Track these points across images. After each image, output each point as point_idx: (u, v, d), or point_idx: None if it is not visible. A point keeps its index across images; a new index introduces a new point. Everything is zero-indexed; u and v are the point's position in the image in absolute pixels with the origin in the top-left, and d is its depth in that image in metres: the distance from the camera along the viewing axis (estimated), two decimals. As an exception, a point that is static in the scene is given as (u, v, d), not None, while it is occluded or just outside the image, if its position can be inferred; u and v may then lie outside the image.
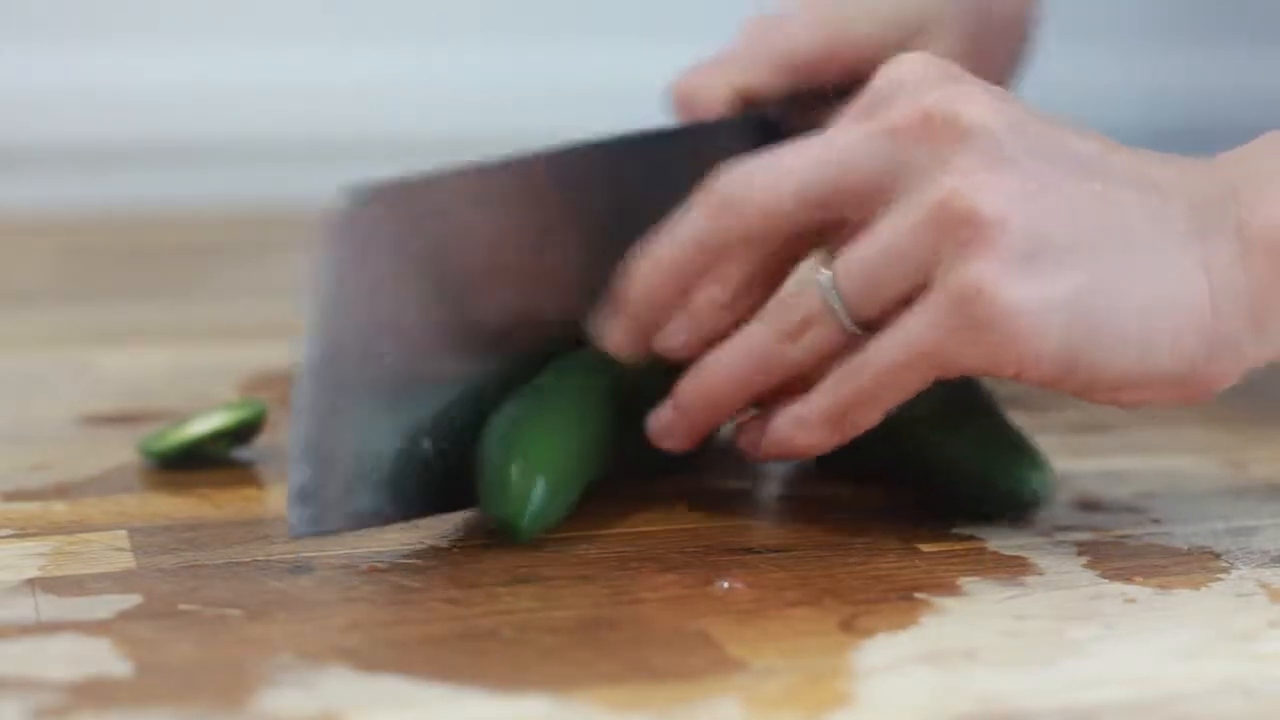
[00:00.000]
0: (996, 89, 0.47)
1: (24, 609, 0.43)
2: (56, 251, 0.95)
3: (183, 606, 0.44)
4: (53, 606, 0.44)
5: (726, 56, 0.59)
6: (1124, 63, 1.29)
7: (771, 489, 0.55)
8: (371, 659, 0.41)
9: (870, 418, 0.47)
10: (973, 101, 0.46)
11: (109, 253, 0.96)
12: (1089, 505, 0.53)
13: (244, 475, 0.55)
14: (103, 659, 0.40)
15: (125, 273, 0.90)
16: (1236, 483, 0.56)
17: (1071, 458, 0.58)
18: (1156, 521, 0.52)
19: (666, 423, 0.50)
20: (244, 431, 0.56)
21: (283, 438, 0.58)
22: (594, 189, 0.53)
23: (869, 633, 0.43)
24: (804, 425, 0.48)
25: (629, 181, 0.54)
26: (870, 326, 0.46)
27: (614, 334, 0.50)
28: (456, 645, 0.42)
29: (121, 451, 0.57)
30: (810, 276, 0.47)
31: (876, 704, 0.39)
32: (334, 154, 1.22)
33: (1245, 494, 0.55)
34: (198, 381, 0.67)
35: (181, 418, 0.57)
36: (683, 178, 0.50)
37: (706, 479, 0.55)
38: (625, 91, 1.26)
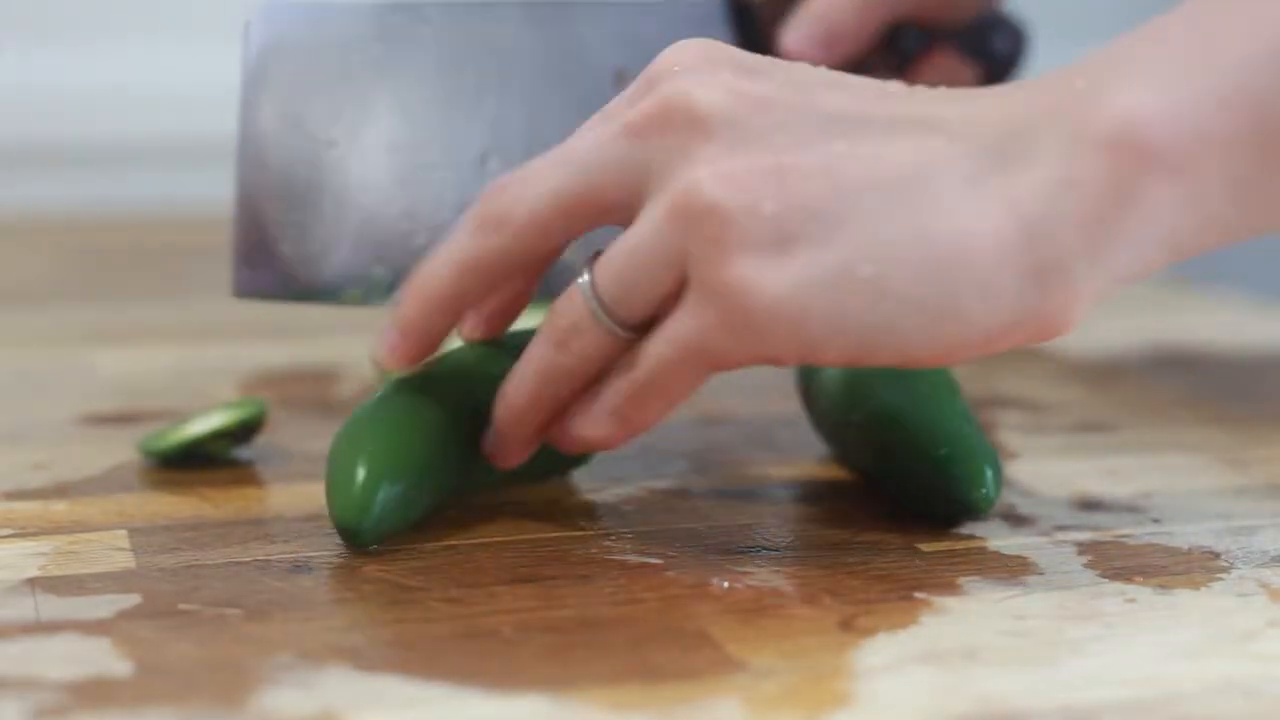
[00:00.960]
0: (750, 62, 0.45)
1: (24, 609, 0.43)
2: (56, 251, 0.95)
3: (183, 606, 0.44)
4: (53, 606, 0.44)
5: None
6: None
7: (771, 488, 0.55)
8: (371, 659, 0.41)
9: (652, 413, 0.46)
10: (710, 86, 0.44)
11: (109, 253, 0.96)
12: (1089, 505, 0.53)
13: (244, 475, 0.55)
14: (103, 659, 0.40)
15: (125, 273, 0.90)
16: (1236, 483, 0.56)
17: (1071, 457, 0.58)
18: (1156, 521, 0.52)
19: (492, 443, 0.49)
20: (244, 431, 0.56)
21: (282, 437, 0.59)
22: (522, 44, 0.54)
23: (869, 632, 0.43)
24: (592, 421, 0.47)
25: (569, 43, 0.56)
26: (640, 328, 0.46)
27: (392, 351, 0.49)
28: (456, 645, 0.42)
29: (121, 451, 0.57)
30: (573, 285, 0.46)
31: (876, 704, 0.39)
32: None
33: (1245, 494, 0.55)
34: (198, 381, 0.67)
35: (181, 418, 0.57)
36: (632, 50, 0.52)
37: (707, 479, 0.55)
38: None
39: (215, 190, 1.16)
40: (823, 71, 0.46)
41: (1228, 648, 0.43)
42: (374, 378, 0.65)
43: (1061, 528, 0.51)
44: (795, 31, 0.63)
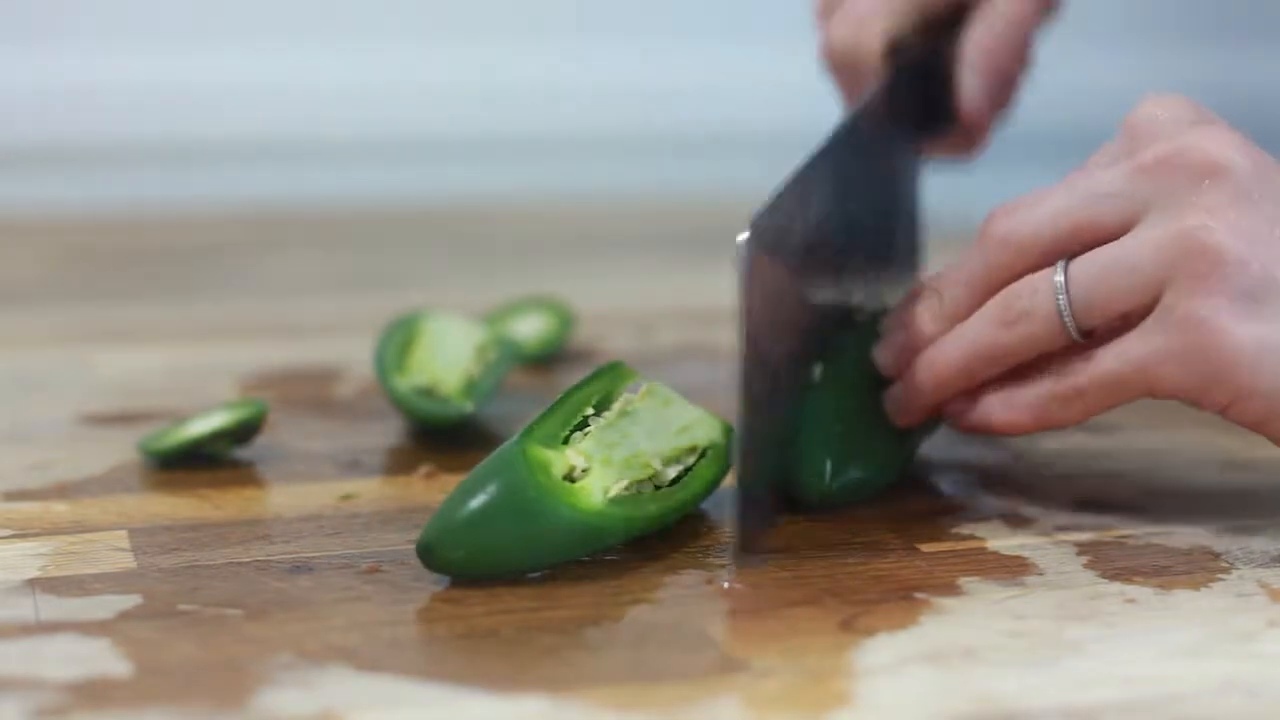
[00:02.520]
0: (1239, 134, 0.49)
1: (24, 609, 0.43)
2: (56, 251, 0.95)
3: (183, 606, 0.44)
4: (53, 606, 0.44)
5: (868, 3, 0.62)
6: (1123, 63, 1.29)
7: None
8: (371, 659, 0.41)
9: (1071, 417, 0.50)
10: (1223, 143, 0.48)
11: (109, 253, 0.96)
12: (1089, 505, 0.53)
13: (244, 475, 0.55)
14: (103, 659, 0.40)
15: (125, 273, 0.90)
16: (1236, 482, 0.56)
17: (1071, 458, 0.58)
18: (1156, 521, 0.52)
19: (898, 400, 0.53)
20: (244, 431, 0.56)
21: (282, 437, 0.59)
22: (847, 176, 0.57)
23: (869, 632, 0.43)
24: (1010, 407, 0.51)
25: (855, 164, 0.58)
26: (1086, 335, 0.49)
27: (900, 361, 0.53)
28: (456, 645, 0.42)
29: (121, 451, 0.57)
30: (1045, 275, 0.49)
31: (876, 703, 0.39)
32: (334, 154, 1.22)
33: (1245, 494, 0.55)
34: (198, 381, 0.67)
35: (181, 418, 0.57)
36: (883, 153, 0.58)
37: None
38: (625, 91, 1.26)
39: (215, 190, 1.16)
40: None
41: (1227, 647, 0.43)
42: (374, 378, 0.65)
43: (1061, 528, 0.51)
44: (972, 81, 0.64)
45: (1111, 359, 0.48)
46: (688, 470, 0.50)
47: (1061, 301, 0.49)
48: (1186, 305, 0.47)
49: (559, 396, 0.49)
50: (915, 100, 0.64)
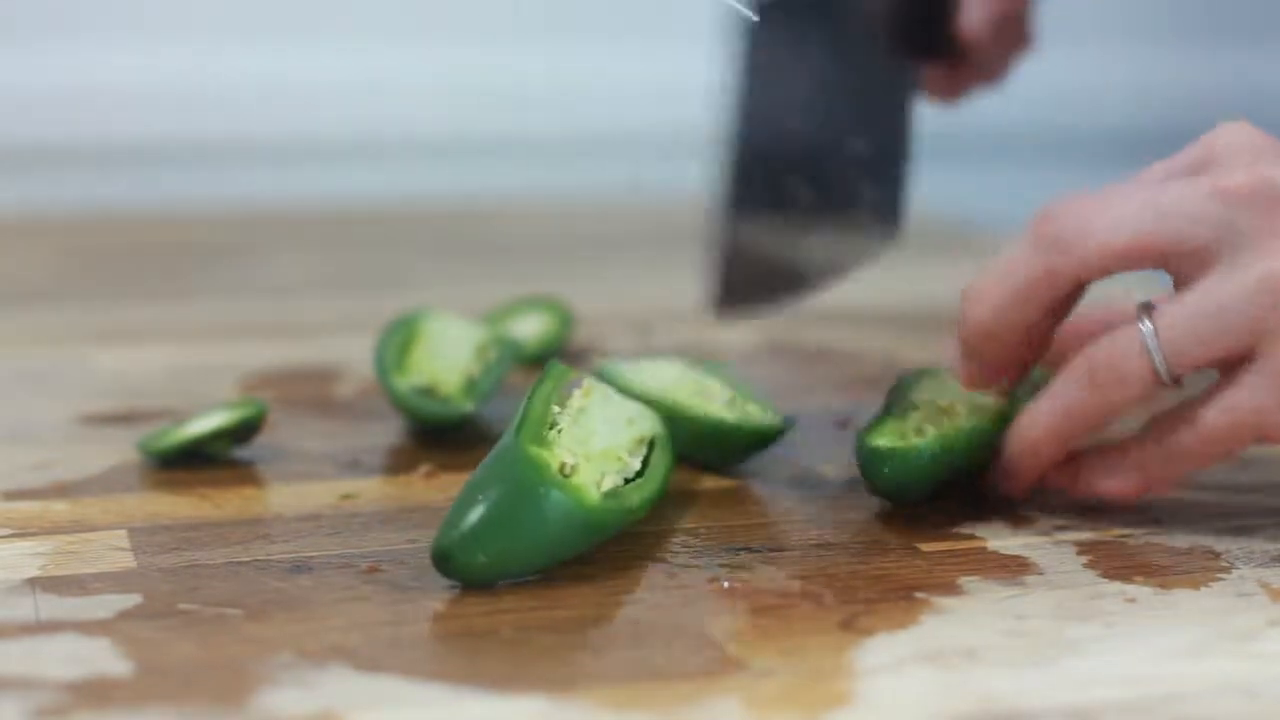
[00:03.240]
0: None
1: (24, 609, 0.43)
2: (56, 251, 0.95)
3: (183, 606, 0.44)
4: (53, 606, 0.44)
5: None
6: (1123, 63, 1.30)
7: (772, 487, 0.55)
8: (371, 659, 0.41)
9: (1181, 474, 0.50)
10: None
11: (109, 253, 0.96)
12: (1089, 505, 0.53)
13: (244, 475, 0.55)
14: (103, 659, 0.40)
15: (125, 273, 0.90)
16: (1237, 482, 0.56)
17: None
18: (1156, 521, 0.52)
19: (1001, 475, 0.52)
20: (244, 431, 0.56)
21: (282, 437, 0.59)
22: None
23: (869, 632, 0.43)
24: (1117, 474, 0.50)
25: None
26: (1176, 381, 0.48)
27: (966, 372, 0.52)
28: (456, 645, 0.42)
29: (121, 451, 0.57)
30: (1127, 329, 0.48)
31: (876, 703, 0.39)
32: (334, 154, 1.22)
33: (1245, 493, 0.55)
34: (198, 381, 0.67)
35: (181, 417, 0.57)
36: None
37: (706, 479, 0.55)
38: (624, 91, 1.26)
39: (215, 190, 1.16)
40: None
41: (1228, 647, 0.43)
42: (374, 378, 0.65)
43: (1061, 527, 0.51)
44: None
45: (1218, 414, 0.48)
46: (645, 461, 0.50)
47: (1157, 359, 0.47)
48: None
49: (527, 398, 0.49)
50: (918, 24, 0.62)
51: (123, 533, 0.49)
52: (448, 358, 0.61)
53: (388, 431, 0.60)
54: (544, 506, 0.45)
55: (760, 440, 0.55)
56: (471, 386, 0.60)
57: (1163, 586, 0.47)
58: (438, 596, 0.45)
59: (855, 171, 0.63)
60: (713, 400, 0.56)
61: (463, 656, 0.41)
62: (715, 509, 0.52)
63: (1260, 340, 0.46)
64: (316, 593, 0.45)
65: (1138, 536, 0.50)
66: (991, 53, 0.64)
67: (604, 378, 0.56)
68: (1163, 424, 0.49)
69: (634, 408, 0.52)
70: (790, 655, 0.41)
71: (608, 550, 0.48)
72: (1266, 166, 0.47)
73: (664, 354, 0.62)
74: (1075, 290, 0.49)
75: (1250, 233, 0.47)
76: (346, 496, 0.53)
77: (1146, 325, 0.48)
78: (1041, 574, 0.47)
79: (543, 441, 0.47)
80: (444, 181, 1.22)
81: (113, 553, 0.48)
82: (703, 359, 0.60)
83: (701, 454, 0.55)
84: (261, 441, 0.57)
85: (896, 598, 0.45)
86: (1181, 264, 0.48)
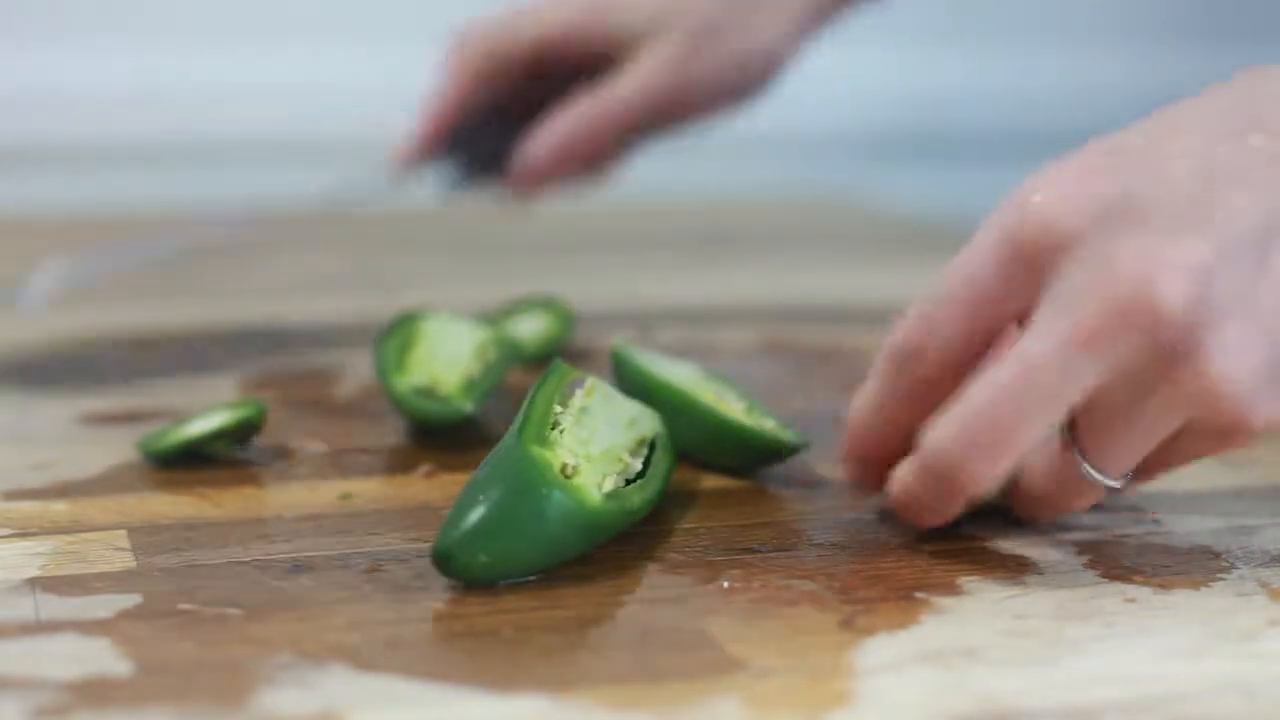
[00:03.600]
0: (1170, 211, 0.44)
1: (24, 609, 0.43)
2: (56, 251, 0.95)
3: (183, 606, 0.44)
4: (53, 606, 0.44)
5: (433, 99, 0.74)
6: (1123, 63, 1.30)
7: (772, 487, 0.55)
8: (371, 658, 0.41)
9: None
10: (1164, 270, 0.43)
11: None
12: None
13: (244, 475, 0.55)
14: (103, 659, 0.40)
15: (125, 273, 0.90)
16: (1236, 482, 0.56)
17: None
18: (1156, 521, 0.52)
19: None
20: (244, 431, 0.56)
21: (282, 437, 0.59)
22: None
23: (869, 632, 0.43)
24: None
25: None
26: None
27: (855, 476, 0.52)
28: (456, 645, 0.42)
29: (121, 451, 0.57)
30: (1062, 461, 0.48)
31: (876, 703, 0.39)
32: (334, 154, 1.22)
33: (1245, 493, 0.55)
34: (198, 381, 0.67)
35: (181, 418, 0.57)
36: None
37: (707, 479, 0.55)
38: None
39: (215, 190, 1.16)
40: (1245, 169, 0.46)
41: (1228, 647, 0.43)
42: (374, 378, 0.65)
43: (1061, 527, 0.51)
44: (536, 144, 0.73)
45: (1179, 458, 0.48)
46: (646, 462, 0.50)
47: (1093, 476, 0.47)
48: (1214, 438, 0.46)
49: (529, 398, 0.49)
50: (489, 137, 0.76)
51: (123, 533, 0.49)
52: (448, 358, 0.61)
53: (388, 431, 0.60)
54: (545, 507, 0.45)
55: (774, 451, 0.55)
56: (471, 386, 0.60)
57: (1163, 586, 0.47)
58: (438, 596, 0.45)
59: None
60: (730, 406, 0.56)
61: (463, 656, 0.41)
62: (716, 509, 0.52)
63: (1187, 426, 0.46)
64: (316, 593, 0.45)
65: (1138, 536, 0.50)
66: (543, 178, 0.73)
67: (620, 359, 0.56)
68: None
69: (635, 408, 0.52)
70: (790, 655, 0.41)
71: (609, 550, 0.48)
72: (1113, 284, 0.44)
73: (681, 358, 0.62)
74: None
75: (1139, 365, 0.44)
76: (346, 496, 0.53)
77: (1086, 465, 0.47)
78: (1041, 574, 0.47)
79: (545, 442, 0.47)
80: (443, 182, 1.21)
81: (113, 553, 0.48)
82: (717, 372, 0.60)
83: (712, 455, 0.55)
84: (261, 441, 0.58)
85: (896, 597, 0.45)
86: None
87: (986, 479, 0.46)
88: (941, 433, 0.46)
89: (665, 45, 0.70)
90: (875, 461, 0.51)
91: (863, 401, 0.50)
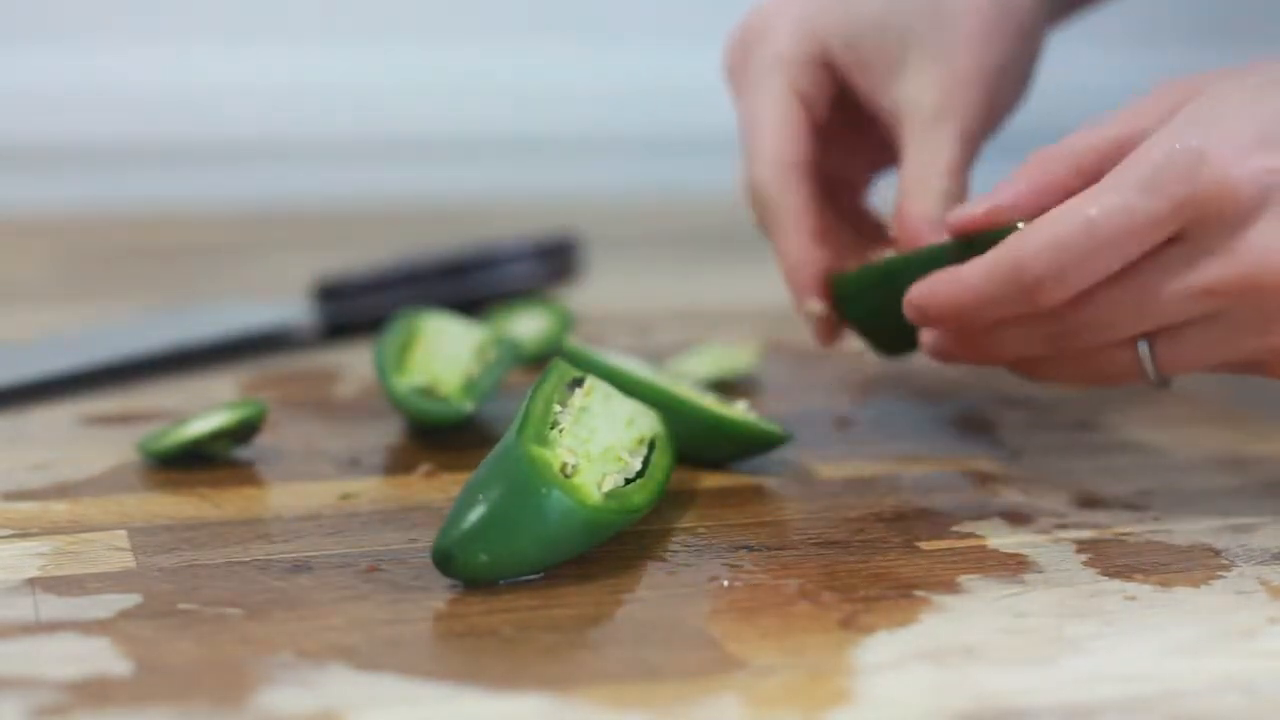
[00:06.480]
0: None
1: (24, 609, 0.43)
2: (56, 251, 0.95)
3: (183, 606, 0.44)
4: (53, 606, 0.44)
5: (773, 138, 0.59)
6: (1123, 63, 1.29)
7: (771, 486, 0.55)
8: (371, 658, 0.41)
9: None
10: None
11: (109, 253, 0.96)
12: (1088, 503, 0.53)
13: (244, 475, 0.55)
14: (103, 658, 0.40)
15: (125, 273, 0.90)
16: (1236, 480, 0.56)
17: (1071, 455, 0.58)
18: (1156, 519, 0.52)
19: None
20: (244, 431, 0.56)
21: (282, 437, 0.59)
22: None
23: (869, 630, 0.43)
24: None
25: None
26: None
27: (916, 320, 0.53)
28: (456, 644, 0.42)
29: (121, 451, 0.57)
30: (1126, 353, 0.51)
31: (876, 701, 0.39)
32: (334, 154, 1.22)
33: (1245, 491, 0.55)
34: (198, 381, 0.67)
35: (181, 418, 0.57)
36: None
37: (706, 478, 0.55)
38: (625, 92, 1.26)
39: (215, 190, 1.16)
40: None
41: (1227, 645, 0.43)
42: (374, 378, 0.65)
43: (1061, 525, 0.51)
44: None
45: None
46: (646, 461, 0.50)
47: (1150, 370, 0.50)
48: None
49: (528, 397, 0.49)
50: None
51: (123, 533, 0.49)
52: (447, 358, 0.61)
53: (388, 431, 0.60)
54: (545, 506, 0.46)
55: (760, 442, 0.55)
56: (471, 386, 0.60)
57: (1162, 584, 0.47)
58: (438, 596, 0.45)
59: None
60: (709, 401, 0.56)
61: (463, 655, 0.41)
62: (715, 508, 0.52)
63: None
64: (316, 592, 0.45)
65: (1137, 534, 0.50)
66: None
67: (578, 359, 0.56)
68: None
69: (634, 407, 0.52)
70: (790, 653, 0.41)
71: (608, 549, 0.48)
72: (1247, 253, 0.48)
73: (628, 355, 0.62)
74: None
75: (1246, 318, 0.49)
76: (346, 496, 0.53)
77: (1150, 366, 0.50)
78: (1041, 572, 0.47)
79: (544, 441, 0.47)
80: (443, 181, 1.22)
81: (113, 553, 0.48)
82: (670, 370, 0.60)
83: (699, 448, 0.55)
84: (261, 441, 0.58)
85: (896, 596, 0.45)
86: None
87: (1056, 295, 0.48)
88: (1031, 242, 0.48)
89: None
90: (937, 324, 0.52)
91: (957, 290, 0.51)
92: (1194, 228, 0.47)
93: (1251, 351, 0.49)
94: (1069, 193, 0.50)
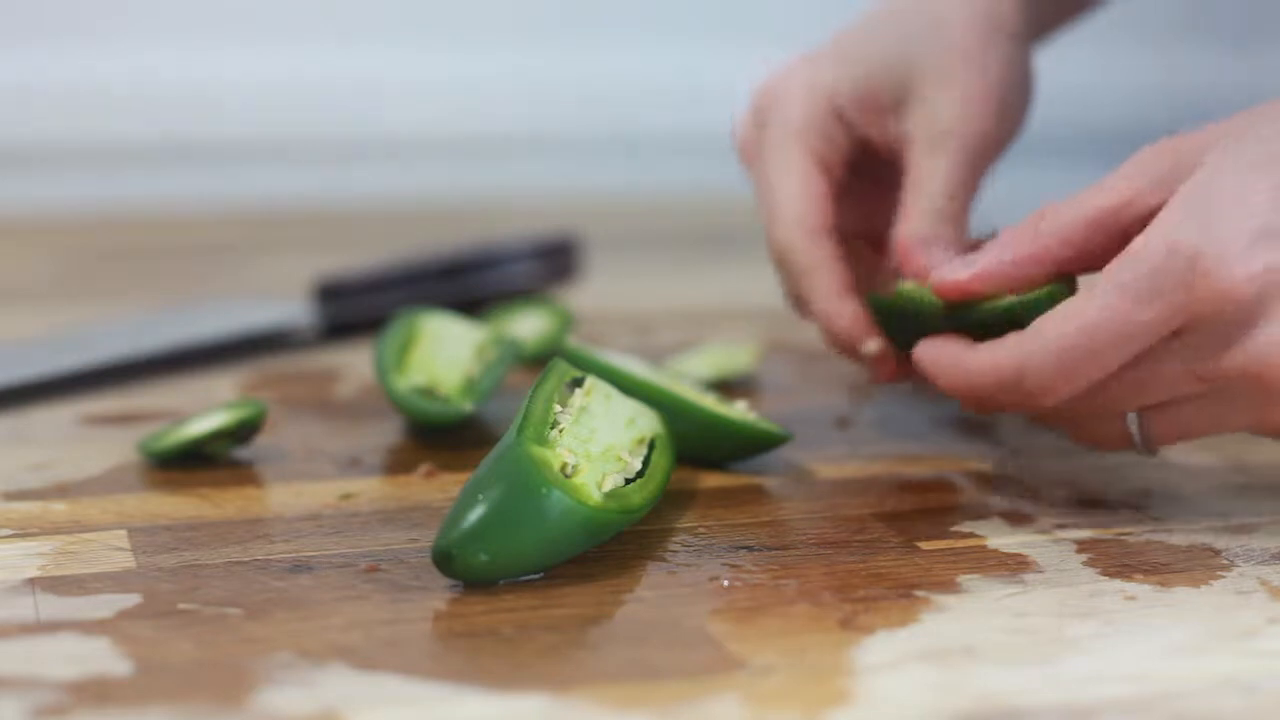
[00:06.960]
0: None
1: (24, 609, 0.43)
2: (56, 251, 0.95)
3: (183, 606, 0.44)
4: (53, 606, 0.44)
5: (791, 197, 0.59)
6: (1123, 63, 1.30)
7: (771, 486, 0.55)
8: (371, 658, 0.41)
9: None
10: None
11: (109, 253, 0.96)
12: (1088, 503, 0.53)
13: (244, 475, 0.55)
14: (102, 658, 0.40)
15: (125, 273, 0.90)
16: (1236, 480, 0.56)
17: (1071, 456, 0.58)
18: (1156, 519, 0.52)
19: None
20: (244, 431, 0.56)
21: (282, 437, 0.59)
22: None
23: (869, 630, 0.43)
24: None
25: None
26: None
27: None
28: (456, 644, 0.42)
29: (121, 451, 0.57)
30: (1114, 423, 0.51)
31: (876, 701, 0.39)
32: (334, 154, 1.22)
33: (1245, 491, 0.55)
34: (198, 381, 0.67)
35: (181, 418, 0.57)
36: None
37: (706, 478, 0.55)
38: (626, 92, 1.26)
39: (215, 190, 1.16)
40: None
41: (1227, 645, 0.43)
42: (374, 378, 0.65)
43: (1061, 525, 0.51)
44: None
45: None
46: (646, 461, 0.50)
47: (1138, 438, 0.51)
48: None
49: (528, 397, 0.49)
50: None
51: (122, 533, 0.49)
52: (447, 358, 0.61)
53: (388, 431, 0.60)
54: (545, 506, 0.46)
55: (760, 442, 0.55)
56: (471, 386, 0.60)
57: (1162, 584, 0.47)
58: (438, 596, 0.45)
59: None
60: (709, 401, 0.56)
61: (463, 655, 0.41)
62: (715, 508, 0.52)
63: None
64: (316, 592, 0.45)
65: (1137, 534, 0.50)
66: None
67: (579, 360, 0.56)
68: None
69: (634, 407, 0.52)
70: (790, 653, 0.41)
71: (608, 549, 0.48)
72: (1251, 348, 0.47)
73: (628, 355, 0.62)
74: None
75: (1240, 392, 0.49)
76: (346, 496, 0.53)
77: (1136, 432, 0.50)
78: (1041, 572, 0.47)
79: (544, 441, 0.47)
80: (443, 181, 1.22)
81: (112, 553, 0.48)
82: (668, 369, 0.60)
83: (699, 448, 0.55)
84: (261, 441, 0.58)
85: (896, 596, 0.45)
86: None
87: (1057, 397, 0.49)
88: (1035, 351, 0.49)
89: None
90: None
91: (959, 376, 0.51)
92: (1194, 324, 0.47)
93: (1244, 425, 0.50)
94: (1058, 264, 0.50)
